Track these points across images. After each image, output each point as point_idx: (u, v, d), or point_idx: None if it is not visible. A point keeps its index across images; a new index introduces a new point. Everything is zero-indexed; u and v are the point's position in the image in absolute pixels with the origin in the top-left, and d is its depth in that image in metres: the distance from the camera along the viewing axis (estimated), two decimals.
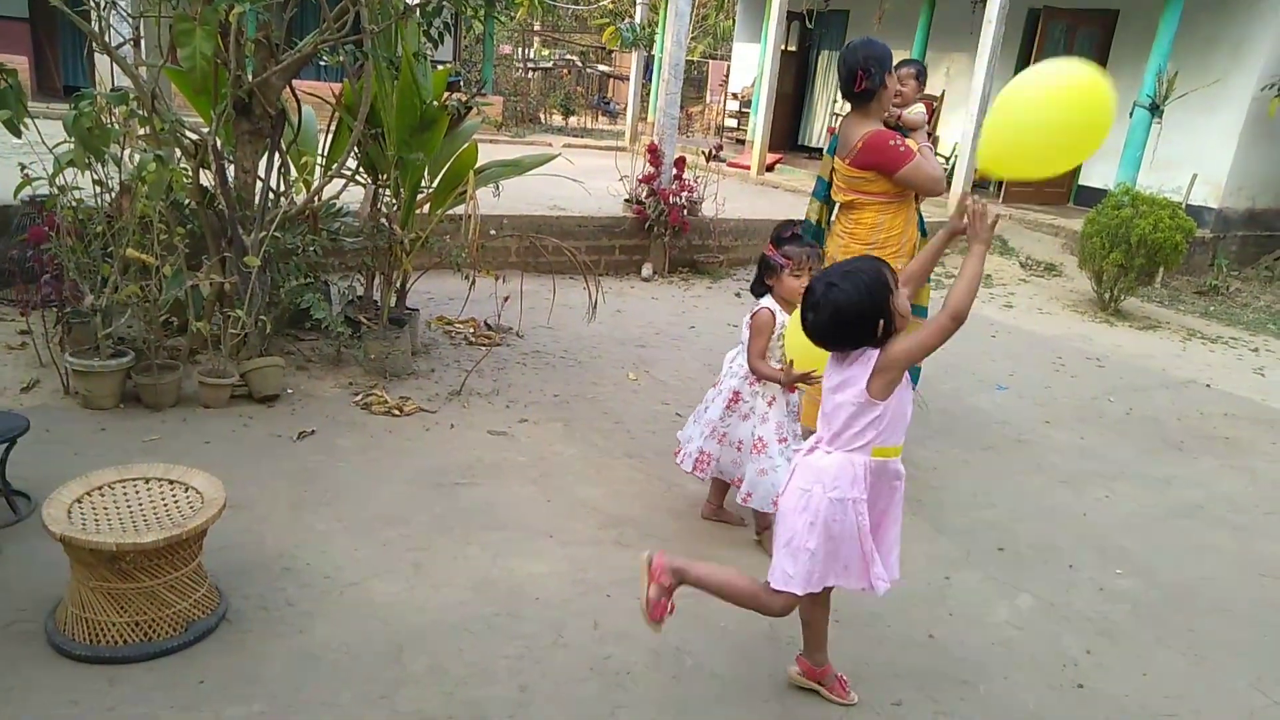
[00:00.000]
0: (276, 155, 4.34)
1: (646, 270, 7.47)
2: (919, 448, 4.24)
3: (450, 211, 4.80)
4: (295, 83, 4.46)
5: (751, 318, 3.11)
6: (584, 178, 6.42)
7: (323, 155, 4.73)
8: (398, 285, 4.81)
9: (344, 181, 4.63)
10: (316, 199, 4.51)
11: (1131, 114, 9.31)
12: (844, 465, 2.26)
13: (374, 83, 4.12)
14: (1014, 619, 3.09)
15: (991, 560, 3.46)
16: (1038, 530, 3.75)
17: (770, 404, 3.18)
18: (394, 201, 4.66)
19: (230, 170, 4.31)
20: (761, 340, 3.07)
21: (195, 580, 2.45)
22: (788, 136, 14.98)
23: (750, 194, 10.32)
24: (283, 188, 4.43)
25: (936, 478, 4.13)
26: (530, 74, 19.51)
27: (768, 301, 3.10)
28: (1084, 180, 11.36)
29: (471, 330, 5.40)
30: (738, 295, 7.28)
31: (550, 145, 12.22)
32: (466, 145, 4.64)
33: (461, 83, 7.17)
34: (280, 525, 3.11)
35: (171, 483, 2.57)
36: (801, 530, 2.29)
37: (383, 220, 4.62)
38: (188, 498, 2.51)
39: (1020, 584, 3.30)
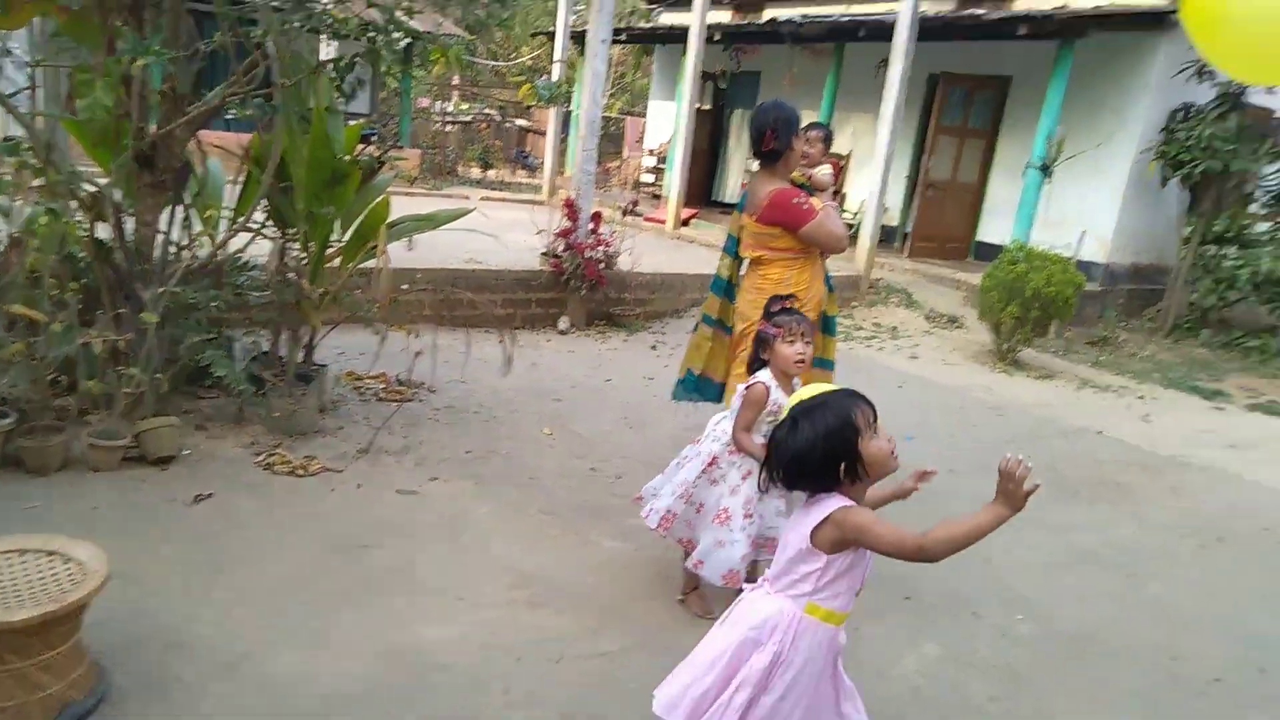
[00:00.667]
0: (179, 208, 4.22)
1: (563, 323, 7.48)
2: None
3: (362, 265, 4.74)
4: (202, 133, 4.37)
5: (746, 389, 3.07)
6: (501, 231, 6.42)
7: (230, 208, 4.63)
8: (305, 341, 4.70)
9: (251, 235, 4.53)
10: (220, 252, 4.40)
11: (1025, 174, 9.85)
12: (781, 611, 2.06)
13: (284, 136, 4.07)
14: (921, 668, 3.14)
15: (899, 610, 3.52)
16: (943, 579, 3.82)
17: (744, 478, 3.11)
18: (303, 255, 4.58)
19: (129, 223, 4.18)
20: (750, 413, 3.04)
21: (73, 659, 2.31)
22: (703, 192, 15.33)
23: (666, 248, 10.48)
24: (185, 241, 4.31)
25: None
26: (449, 127, 19.55)
27: (764, 375, 3.07)
28: (981, 236, 11.91)
29: (382, 386, 5.31)
30: (654, 349, 7.34)
31: (467, 198, 12.24)
32: (379, 199, 4.60)
33: (376, 136, 7.15)
34: (171, 596, 2.96)
35: (50, 554, 2.43)
36: (725, 686, 2.09)
37: (290, 275, 4.53)
38: (68, 570, 2.37)
39: (926, 633, 3.37)
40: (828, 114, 12.40)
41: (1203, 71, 9.46)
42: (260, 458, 4.09)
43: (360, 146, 4.61)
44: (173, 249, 4.23)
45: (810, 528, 2.02)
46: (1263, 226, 10.34)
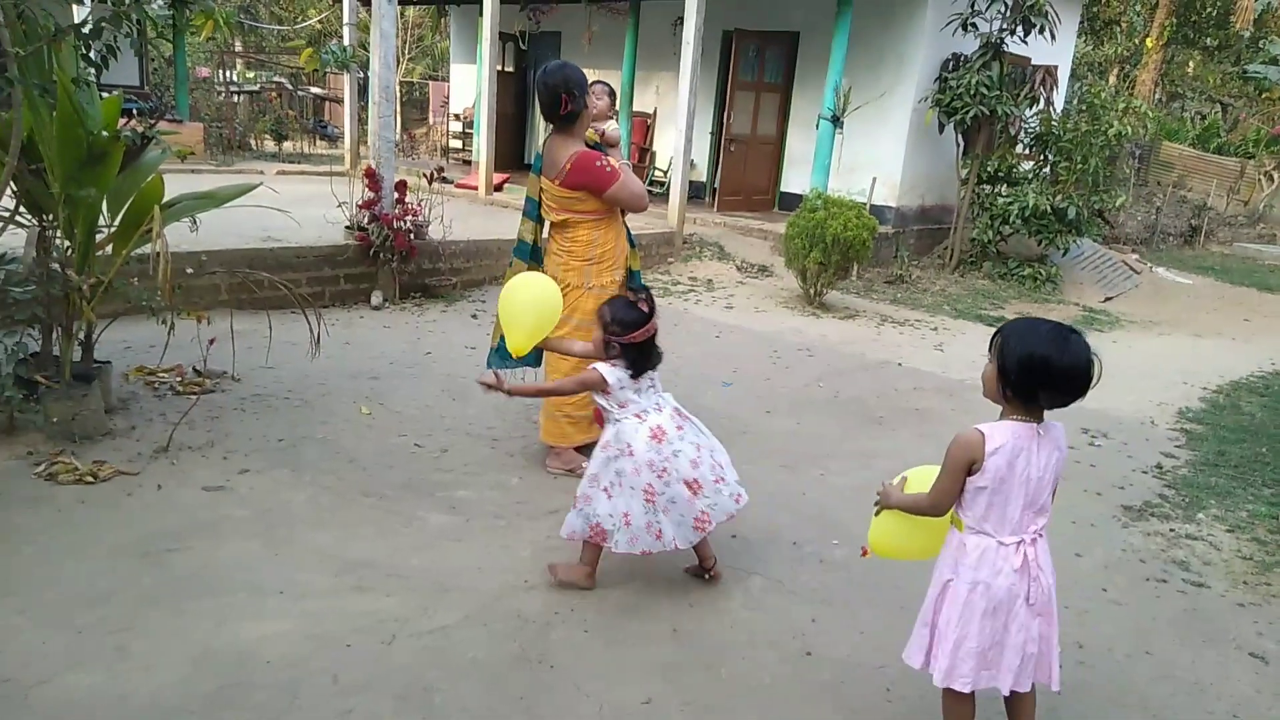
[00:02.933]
0: None
1: (376, 298, 7.21)
2: None
3: (139, 251, 4.35)
4: None
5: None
6: (300, 205, 6.06)
7: None
8: (81, 337, 4.28)
9: (1, 225, 4.06)
10: None
11: (818, 126, 10.31)
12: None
13: (27, 112, 3.65)
14: (748, 602, 3.30)
15: (726, 548, 3.66)
16: (764, 514, 4.02)
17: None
18: (67, 244, 4.15)
19: None
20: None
21: None
22: (514, 156, 15.11)
23: (480, 214, 10.28)
24: None
25: None
26: (236, 98, 18.22)
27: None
28: (784, 187, 12.43)
29: (178, 379, 4.93)
30: (474, 317, 7.22)
31: (262, 173, 11.49)
32: (151, 178, 4.23)
33: (146, 108, 6.52)
34: None
35: None
36: None
37: (55, 265, 4.10)
38: None
39: (752, 567, 3.53)
40: (630, 73, 12.50)
41: (967, 24, 10.20)
42: (40, 468, 3.72)
43: (123, 121, 4.21)
44: None
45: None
46: (1027, 165, 11.37)
